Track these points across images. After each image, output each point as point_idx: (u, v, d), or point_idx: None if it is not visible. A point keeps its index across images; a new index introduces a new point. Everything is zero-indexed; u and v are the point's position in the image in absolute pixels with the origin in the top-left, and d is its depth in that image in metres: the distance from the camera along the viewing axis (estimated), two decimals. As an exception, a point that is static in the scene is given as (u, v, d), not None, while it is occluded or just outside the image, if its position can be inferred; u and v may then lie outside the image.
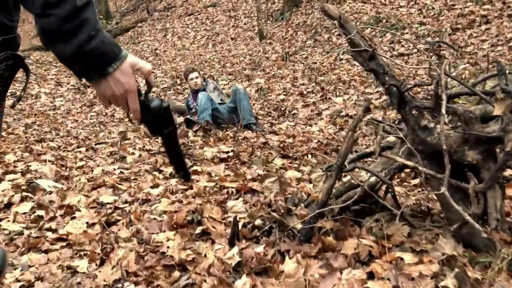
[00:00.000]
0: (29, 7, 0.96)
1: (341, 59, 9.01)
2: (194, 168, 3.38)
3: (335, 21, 2.20)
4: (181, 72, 9.79)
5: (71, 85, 8.57)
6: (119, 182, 3.07)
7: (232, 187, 2.90)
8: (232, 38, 14.43)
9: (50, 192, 2.85)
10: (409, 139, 2.09)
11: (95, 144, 4.35)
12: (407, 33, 9.14)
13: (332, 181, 2.16)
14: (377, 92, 6.09)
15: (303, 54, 9.84)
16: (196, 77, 6.02)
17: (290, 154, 3.89)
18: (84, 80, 1.06)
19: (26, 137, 4.70)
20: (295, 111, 6.20)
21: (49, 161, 3.65)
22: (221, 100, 6.00)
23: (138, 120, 1.13)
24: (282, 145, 4.45)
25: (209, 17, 17.17)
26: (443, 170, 1.91)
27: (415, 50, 8.57)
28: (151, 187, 2.96)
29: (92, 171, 3.41)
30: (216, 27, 15.96)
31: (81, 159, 3.75)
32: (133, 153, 3.88)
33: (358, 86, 6.50)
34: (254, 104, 6.51)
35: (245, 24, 15.32)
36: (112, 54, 1.03)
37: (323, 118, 5.94)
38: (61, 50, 0.97)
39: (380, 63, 2.17)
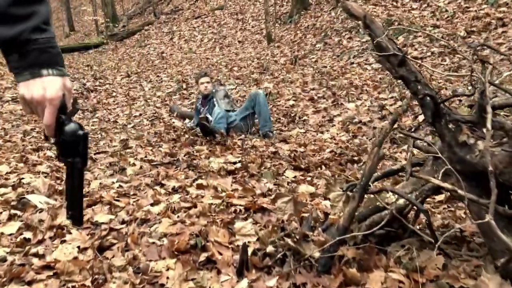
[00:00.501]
0: None
1: (352, 63, 8.74)
2: (199, 181, 3.12)
3: (359, 21, 1.93)
4: (187, 76, 9.55)
5: (74, 90, 8.34)
6: (117, 198, 2.81)
7: (240, 205, 2.64)
8: (239, 41, 14.19)
9: (41, 210, 2.60)
10: (445, 156, 1.81)
11: (94, 154, 4.10)
12: (420, 36, 8.85)
13: (354, 204, 1.88)
14: (392, 97, 5.80)
15: (313, 57, 9.57)
16: (207, 82, 5.82)
17: (302, 166, 3.62)
18: (15, 77, 1.00)
19: (23, 145, 4.46)
20: (305, 117, 5.93)
21: (43, 173, 3.40)
22: (231, 107, 5.74)
23: (49, 136, 1.07)
24: (293, 154, 4.18)
25: (216, 20, 16.95)
26: (486, 194, 1.65)
27: (428, 54, 8.28)
28: (151, 204, 2.70)
29: (89, 184, 3.16)
30: (223, 30, 15.74)
31: (78, 171, 3.50)
32: (133, 164, 3.63)
33: (371, 91, 6.22)
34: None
35: (252, 27, 15.08)
36: (53, 59, 1.00)
37: (335, 125, 5.66)
38: (2, 32, 0.94)
39: (411, 70, 1.90)
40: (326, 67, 8.77)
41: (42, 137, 5.11)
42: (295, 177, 3.39)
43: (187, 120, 6.09)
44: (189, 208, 2.60)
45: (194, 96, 7.67)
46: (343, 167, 3.69)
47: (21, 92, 1.00)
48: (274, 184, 3.20)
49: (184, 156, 3.97)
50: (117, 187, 3.08)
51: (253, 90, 5.88)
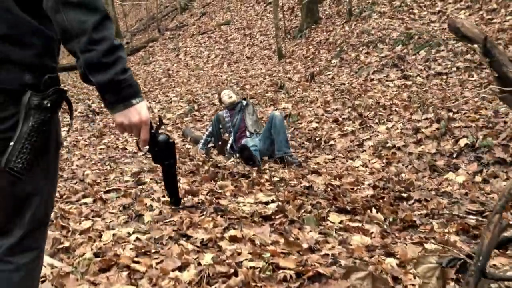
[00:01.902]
0: (73, 46, 1.17)
1: (372, 79, 8.26)
2: (232, 232, 2.61)
3: (474, 45, 1.43)
4: (198, 96, 9.08)
5: (79, 112, 7.87)
6: (136, 259, 2.31)
7: (289, 268, 2.13)
8: (248, 57, 13.76)
9: (43, 280, 2.09)
10: None
11: (104, 192, 3.60)
12: (443, 50, 8.38)
13: (471, 293, 1.38)
14: (426, 119, 5.30)
15: (329, 74, 9.10)
16: (230, 93, 5.70)
17: (348, 207, 3.11)
18: (110, 110, 1.27)
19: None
20: (331, 142, 5.44)
21: (47, 220, 2.89)
22: (257, 127, 5.37)
23: (144, 147, 1.35)
24: (329, 189, 3.68)
25: (222, 36, 16.54)
26: None
27: (454, 69, 7.81)
28: (179, 268, 2.19)
29: (101, 236, 2.66)
30: (230, 46, 15.32)
31: (86, 217, 3.00)
32: (151, 207, 3.12)
33: (401, 111, 5.72)
34: (283, 134, 5.74)
35: (261, 42, 14.65)
36: (136, 90, 1.25)
37: (365, 150, 5.16)
38: (100, 79, 1.18)
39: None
40: (344, 84, 8.30)
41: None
42: (341, 222, 2.88)
43: (200, 145, 5.60)
44: (227, 275, 2.09)
45: (207, 118, 7.19)
46: (394, 207, 3.17)
47: (120, 120, 1.26)
48: (320, 233, 2.69)
49: (207, 194, 3.47)
50: (134, 240, 2.58)
51: (270, 112, 5.40)
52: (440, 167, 4.56)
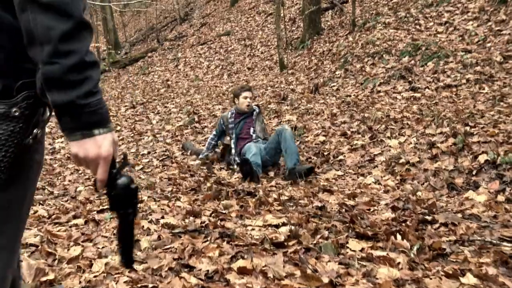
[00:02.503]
0: (36, 53, 0.98)
1: (379, 91, 7.98)
2: (241, 263, 2.29)
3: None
4: (198, 107, 8.78)
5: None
6: (131, 296, 1.99)
7: (311, 311, 1.81)
8: (249, 68, 13.50)
9: (21, 323, 1.76)
10: None
11: (97, 212, 3.28)
12: (451, 61, 8.12)
13: None
14: (441, 133, 5.00)
15: (334, 85, 8.82)
16: (251, 98, 5.49)
17: (368, 232, 2.79)
18: (65, 136, 1.04)
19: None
20: (341, 157, 5.12)
21: (32, 245, 2.58)
22: (265, 134, 5.26)
23: (100, 189, 1.10)
24: (344, 209, 3.36)
25: (223, 46, 16.30)
26: None
27: (463, 81, 7.54)
28: (182, 309, 1.87)
29: (91, 265, 2.33)
30: (231, 56, 15.07)
31: (76, 242, 2.67)
32: (148, 230, 2.80)
33: (413, 125, 5.42)
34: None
35: (262, 53, 14.40)
36: (102, 118, 1.03)
37: (377, 166, 4.85)
38: (56, 98, 0.98)
39: None
40: (350, 95, 8.02)
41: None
42: (363, 250, 2.56)
43: (204, 151, 5.41)
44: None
45: (207, 130, 6.88)
46: (419, 232, 2.85)
47: (74, 151, 1.04)
48: (340, 263, 2.37)
49: (211, 215, 3.15)
50: (129, 271, 2.25)
51: (279, 126, 5.14)
52: (458, 185, 4.25)
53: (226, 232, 2.68)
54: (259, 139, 5.25)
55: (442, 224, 2.99)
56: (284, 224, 2.94)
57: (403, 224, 2.96)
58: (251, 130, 5.25)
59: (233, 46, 15.86)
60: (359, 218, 3.08)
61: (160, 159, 5.60)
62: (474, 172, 4.33)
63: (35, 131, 1.11)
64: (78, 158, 1.05)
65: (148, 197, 3.63)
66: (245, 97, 5.34)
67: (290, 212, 3.25)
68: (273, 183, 4.21)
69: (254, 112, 5.41)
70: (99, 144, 1.02)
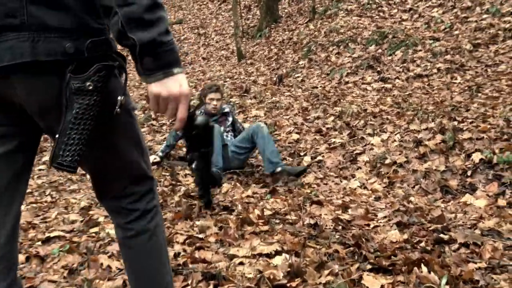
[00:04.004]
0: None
1: (347, 82, 7.56)
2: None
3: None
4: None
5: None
6: None
7: None
8: (204, 58, 12.83)
9: None
10: None
11: (42, 242, 2.63)
12: (420, 50, 7.79)
13: None
14: (426, 129, 4.59)
15: (298, 76, 8.33)
16: (218, 99, 4.79)
17: (383, 262, 2.29)
18: (145, 78, 1.07)
19: None
20: (319, 157, 4.63)
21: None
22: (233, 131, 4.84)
23: (180, 130, 1.13)
24: (340, 227, 2.86)
25: (175, 35, 15.49)
26: None
27: (434, 70, 7.22)
28: None
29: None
30: (184, 46, 14.32)
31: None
32: (109, 270, 2.19)
33: (394, 120, 4.99)
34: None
35: (217, 42, 13.76)
36: (179, 58, 1.09)
37: (360, 167, 4.39)
38: (141, 37, 1.01)
39: None
40: (316, 87, 7.55)
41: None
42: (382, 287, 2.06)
43: (155, 157, 4.68)
44: None
45: (167, 128, 6.23)
46: (441, 258, 2.38)
47: (156, 91, 1.07)
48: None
49: (185, 242, 2.56)
50: None
51: (253, 124, 4.58)
52: (453, 187, 3.85)
53: (211, 272, 2.12)
54: (230, 133, 4.71)
55: (462, 245, 2.53)
56: (277, 253, 2.40)
57: (418, 246, 2.49)
58: (223, 129, 4.65)
59: (186, 35, 15.11)
60: (363, 239, 2.58)
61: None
62: (469, 173, 3.94)
63: (119, 98, 1.13)
64: (161, 98, 1.07)
65: (106, 217, 3.00)
66: (212, 99, 4.72)
67: (280, 232, 2.71)
68: (249, 192, 3.66)
69: (228, 114, 4.86)
70: (180, 82, 1.08)
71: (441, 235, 2.63)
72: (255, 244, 2.49)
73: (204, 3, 17.24)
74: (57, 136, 1.04)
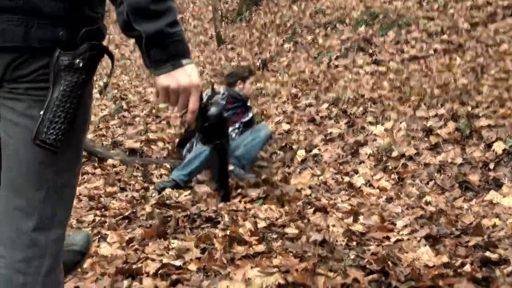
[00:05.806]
0: None
1: (337, 66, 6.97)
2: None
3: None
4: (126, 90, 7.40)
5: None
6: None
7: None
8: (181, 44, 12.11)
9: None
10: None
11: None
12: (414, 30, 7.24)
13: None
14: (436, 115, 4.03)
15: (283, 60, 7.71)
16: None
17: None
18: (153, 70, 1.05)
19: None
20: (315, 151, 4.04)
21: None
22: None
23: (191, 122, 1.09)
24: (355, 243, 2.28)
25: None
26: None
27: (431, 52, 6.68)
28: None
29: None
30: (160, 32, 13.56)
31: None
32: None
33: (398, 106, 4.42)
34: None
35: (194, 27, 13.05)
36: (187, 49, 1.06)
37: (364, 161, 3.82)
38: (147, 28, 0.98)
39: None
40: (304, 72, 6.94)
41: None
42: None
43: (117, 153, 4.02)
44: None
45: (139, 120, 5.56)
46: (484, 285, 1.81)
47: (165, 83, 1.03)
48: None
49: (157, 273, 1.94)
50: None
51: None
52: (474, 183, 3.30)
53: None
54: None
55: (518, 266, 1.97)
56: (280, 287, 1.80)
57: (462, 272, 1.91)
58: (237, 124, 3.98)
59: (162, 21, 14.36)
60: (390, 261, 1.99)
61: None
62: (491, 166, 3.40)
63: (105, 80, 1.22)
64: (170, 90, 1.04)
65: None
66: (252, 83, 4.30)
67: (280, 253, 2.11)
68: (237, 199, 3.05)
69: (249, 109, 4.25)
70: (189, 73, 1.04)
71: (487, 254, 2.06)
72: (250, 275, 1.88)
73: (180, -14, 16.47)
74: (41, 112, 1.00)
